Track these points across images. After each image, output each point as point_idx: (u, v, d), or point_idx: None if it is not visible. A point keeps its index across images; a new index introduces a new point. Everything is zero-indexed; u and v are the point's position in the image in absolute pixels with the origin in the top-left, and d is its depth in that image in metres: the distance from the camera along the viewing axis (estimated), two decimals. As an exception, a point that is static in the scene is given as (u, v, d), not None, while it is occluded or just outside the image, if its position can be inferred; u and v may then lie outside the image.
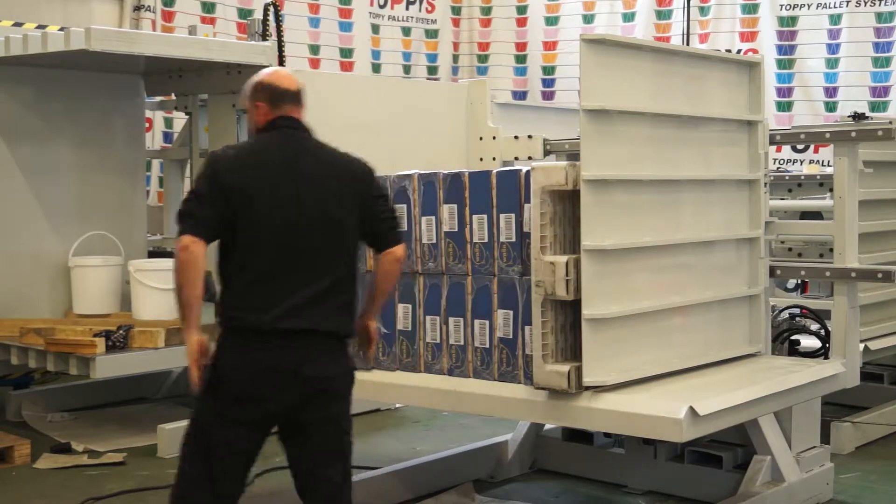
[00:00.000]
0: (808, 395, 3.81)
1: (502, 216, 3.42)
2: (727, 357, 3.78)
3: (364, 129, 4.08)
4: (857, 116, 4.34)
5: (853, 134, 3.88)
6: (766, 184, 3.95)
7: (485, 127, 4.52)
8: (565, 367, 3.20)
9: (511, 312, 3.42)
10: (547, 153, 4.47)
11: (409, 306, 3.66)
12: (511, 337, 3.42)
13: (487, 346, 3.48)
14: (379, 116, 4.14)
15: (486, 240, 3.47)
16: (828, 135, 4.03)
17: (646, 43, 3.69)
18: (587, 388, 3.22)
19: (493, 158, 4.49)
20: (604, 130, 3.28)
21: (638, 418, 3.15)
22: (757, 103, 3.91)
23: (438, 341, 3.60)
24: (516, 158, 4.46)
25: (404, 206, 3.64)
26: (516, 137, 4.47)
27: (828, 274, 3.96)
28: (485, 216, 3.47)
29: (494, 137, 4.49)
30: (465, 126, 4.50)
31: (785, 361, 3.99)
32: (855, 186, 3.92)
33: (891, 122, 3.89)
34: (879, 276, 3.81)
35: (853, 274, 3.87)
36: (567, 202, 3.23)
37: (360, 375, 3.74)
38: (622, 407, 3.18)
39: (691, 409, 3.07)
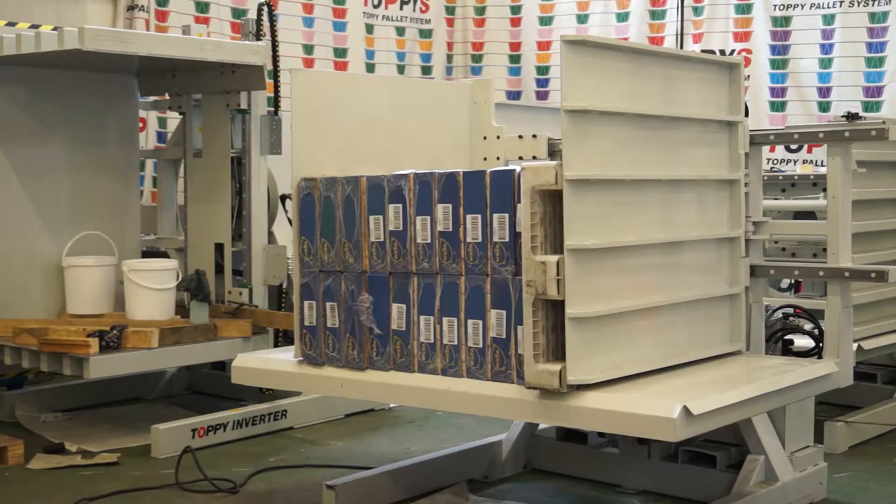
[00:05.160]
0: (802, 395, 3.82)
1: (496, 216, 3.42)
2: (709, 355, 3.79)
3: (367, 127, 4.08)
4: (851, 116, 4.34)
5: (846, 134, 3.89)
6: (745, 183, 3.96)
7: (489, 126, 4.51)
8: (556, 367, 3.20)
9: (504, 312, 3.43)
10: (552, 153, 4.46)
11: (404, 306, 3.66)
12: (504, 337, 3.43)
13: (481, 346, 3.48)
14: (382, 115, 4.14)
15: (479, 240, 3.47)
16: (821, 135, 4.03)
17: (626, 44, 3.71)
18: (570, 386, 3.22)
19: (497, 158, 4.49)
20: (585, 130, 3.29)
21: (631, 418, 3.15)
22: (737, 104, 3.92)
23: (432, 341, 3.60)
24: (521, 158, 4.45)
25: (400, 205, 3.64)
26: (520, 137, 4.47)
27: (821, 274, 3.97)
28: (479, 216, 3.47)
29: (498, 137, 4.49)
30: (468, 125, 4.50)
31: (777, 361, 4.00)
32: (848, 186, 3.93)
33: (884, 122, 3.90)
34: (873, 275, 3.82)
35: (846, 274, 3.88)
36: (558, 202, 3.24)
37: (354, 375, 3.78)
38: (615, 406, 3.18)
39: (685, 408, 3.08)
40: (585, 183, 3.27)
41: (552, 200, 3.25)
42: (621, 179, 3.44)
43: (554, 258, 3.19)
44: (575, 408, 3.23)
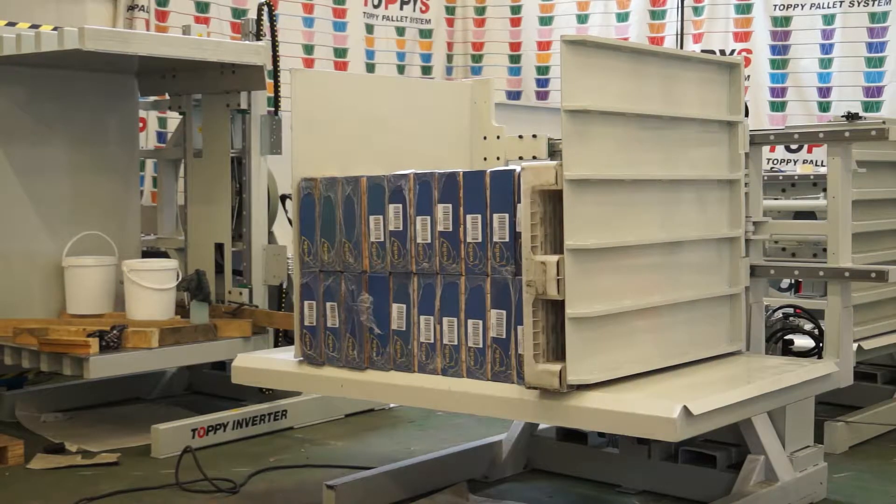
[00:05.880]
0: (803, 395, 3.81)
1: (496, 216, 3.42)
2: (709, 355, 3.79)
3: (367, 127, 4.08)
4: (851, 116, 4.34)
5: (846, 134, 3.88)
6: (745, 183, 3.97)
7: (489, 126, 4.51)
8: (556, 367, 3.20)
9: (504, 312, 3.42)
10: (552, 153, 4.46)
11: (404, 306, 3.66)
12: (504, 337, 3.43)
13: (481, 346, 3.48)
14: (382, 115, 4.14)
15: (479, 240, 3.47)
16: (821, 135, 4.03)
17: (626, 44, 3.72)
18: (570, 386, 3.22)
19: (497, 158, 4.48)
20: (585, 130, 3.29)
21: (631, 417, 3.15)
22: (737, 104, 3.92)
23: (432, 341, 3.60)
24: (521, 158, 4.45)
25: (400, 205, 3.64)
26: (520, 137, 4.46)
27: (821, 274, 3.97)
28: (479, 216, 3.47)
29: (499, 137, 4.49)
30: (468, 125, 4.49)
31: (777, 361, 4.00)
32: (848, 186, 3.92)
33: (884, 122, 3.90)
34: (873, 275, 3.81)
35: (846, 274, 3.87)
36: (558, 202, 3.24)
37: (354, 375, 3.78)
38: (614, 406, 3.18)
39: (685, 408, 3.08)
40: (585, 183, 3.27)
41: (552, 200, 3.24)
42: (621, 179, 3.44)
43: (554, 258, 3.19)
44: (575, 408, 3.23)
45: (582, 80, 3.29)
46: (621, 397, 3.21)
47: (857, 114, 4.32)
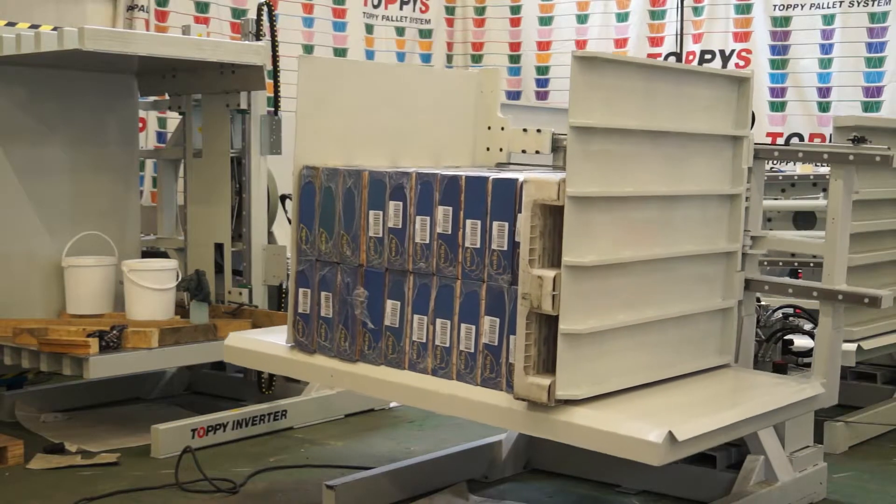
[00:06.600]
0: (787, 416, 3.81)
1: (495, 224, 3.41)
2: (698, 369, 3.77)
3: (371, 114, 4.05)
4: (857, 140, 4.29)
5: (851, 157, 3.86)
6: (746, 198, 3.94)
7: (494, 117, 4.48)
8: (546, 381, 3.18)
9: (497, 320, 3.41)
10: (555, 148, 4.42)
11: (398, 303, 3.66)
12: (496, 344, 3.41)
13: (472, 350, 3.47)
14: (387, 102, 4.10)
15: (478, 245, 3.45)
16: (826, 156, 3.99)
17: (636, 60, 3.68)
18: (559, 401, 3.20)
19: (500, 149, 4.45)
20: (591, 147, 3.26)
21: (616, 438, 3.12)
22: (744, 118, 3.89)
23: (424, 341, 3.59)
24: (523, 151, 4.42)
25: (400, 203, 3.64)
26: (525, 130, 4.43)
27: (815, 294, 3.92)
28: (478, 222, 3.46)
29: (503, 128, 4.45)
30: (473, 114, 4.46)
31: (764, 378, 3.95)
32: (849, 209, 3.89)
33: (889, 148, 3.87)
34: (866, 300, 3.79)
35: (840, 297, 3.84)
36: (558, 217, 3.21)
37: (344, 367, 3.76)
38: (601, 426, 3.15)
39: (670, 433, 3.05)
40: (588, 200, 3.24)
41: (552, 213, 3.22)
42: (624, 196, 3.41)
43: (551, 273, 3.16)
44: (562, 423, 3.21)
45: (591, 97, 3.25)
46: (608, 417, 3.19)
47: (863, 137, 4.26)
